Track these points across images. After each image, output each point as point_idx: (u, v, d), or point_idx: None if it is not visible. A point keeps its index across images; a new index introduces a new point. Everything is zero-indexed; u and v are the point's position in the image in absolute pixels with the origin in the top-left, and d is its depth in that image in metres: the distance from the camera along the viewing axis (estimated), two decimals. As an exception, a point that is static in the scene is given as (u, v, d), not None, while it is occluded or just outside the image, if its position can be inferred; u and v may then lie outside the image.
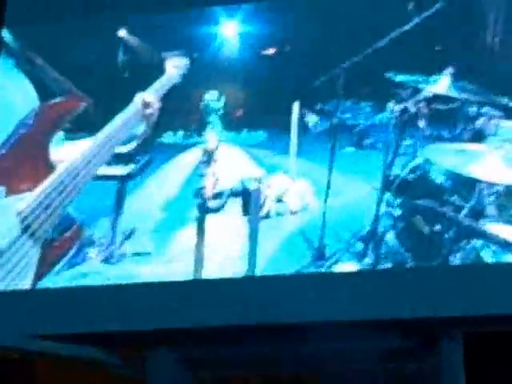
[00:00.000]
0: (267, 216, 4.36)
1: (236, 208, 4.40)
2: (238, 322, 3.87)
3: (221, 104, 4.55)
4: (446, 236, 4.02)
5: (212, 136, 4.52)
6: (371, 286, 3.90)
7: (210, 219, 4.38)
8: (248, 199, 4.38)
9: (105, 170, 4.54)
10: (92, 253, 4.43)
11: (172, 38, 4.68)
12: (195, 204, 4.41)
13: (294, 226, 4.33)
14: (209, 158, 4.50)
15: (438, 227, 4.06)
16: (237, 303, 3.98)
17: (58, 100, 4.65)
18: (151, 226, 4.46)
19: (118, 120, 4.55)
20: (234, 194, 4.41)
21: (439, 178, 4.15)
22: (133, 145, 4.50)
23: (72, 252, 4.36)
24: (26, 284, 4.31)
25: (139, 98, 4.57)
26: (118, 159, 4.55)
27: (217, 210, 4.39)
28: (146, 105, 4.54)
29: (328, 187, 4.27)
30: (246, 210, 4.37)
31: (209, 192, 4.40)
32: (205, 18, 4.67)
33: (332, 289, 3.99)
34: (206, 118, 4.55)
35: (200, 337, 3.95)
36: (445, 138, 4.22)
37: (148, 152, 4.57)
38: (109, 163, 4.55)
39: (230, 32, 4.65)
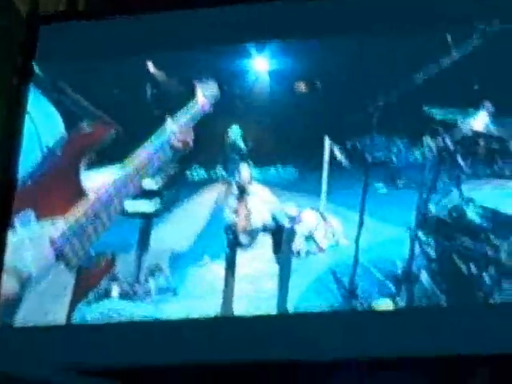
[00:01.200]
0: (297, 254, 3.94)
1: (267, 245, 3.99)
2: (268, 359, 3.63)
3: (245, 141, 4.14)
4: (485, 276, 3.45)
5: (245, 170, 4.10)
6: (396, 324, 3.64)
7: (240, 256, 3.98)
8: (280, 236, 3.97)
9: (131, 206, 4.14)
10: (115, 290, 4.03)
11: (202, 70, 4.25)
12: (224, 239, 4.00)
13: (324, 265, 3.92)
14: (241, 192, 4.08)
15: (475, 267, 3.50)
16: (268, 340, 3.69)
17: (87, 128, 4.24)
18: (177, 262, 4.06)
19: (149, 148, 4.15)
20: (265, 230, 4.00)
21: (477, 218, 3.63)
22: (159, 180, 3.97)
23: (103, 285, 4.01)
24: (58, 313, 3.97)
25: (170, 125, 4.14)
26: (145, 194, 4.15)
27: (248, 245, 3.98)
28: (181, 133, 4.09)
29: (360, 226, 3.81)
30: (277, 248, 3.96)
31: (241, 227, 3.99)
32: (236, 53, 4.27)
33: (359, 327, 3.67)
34: (231, 154, 4.14)
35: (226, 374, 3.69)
36: (484, 176, 3.69)
37: (174, 188, 4.17)
38: (135, 197, 4.15)
39: (261, 67, 4.24)
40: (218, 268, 3.94)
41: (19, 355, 3.80)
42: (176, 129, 4.13)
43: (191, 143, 4.13)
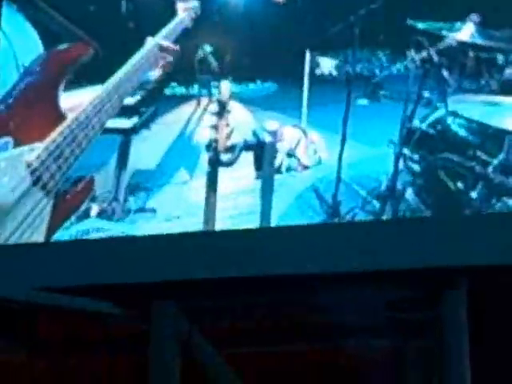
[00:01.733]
0: (278, 171, 3.68)
1: (249, 161, 3.72)
2: (245, 273, 3.32)
3: (218, 58, 3.88)
4: (473, 193, 3.19)
5: (225, 86, 3.80)
6: (376, 236, 3.27)
7: (221, 173, 3.70)
8: (261, 152, 3.69)
9: (109, 123, 3.85)
10: (94, 209, 3.77)
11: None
12: (205, 157, 3.72)
13: (306, 182, 3.66)
14: (222, 108, 3.77)
15: (463, 184, 3.24)
16: (245, 254, 3.35)
17: (66, 46, 3.95)
18: (157, 181, 3.78)
19: (129, 66, 3.85)
20: (247, 146, 3.70)
21: (463, 132, 3.37)
22: (138, 96, 3.69)
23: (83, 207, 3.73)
24: (37, 237, 3.68)
25: (151, 42, 3.87)
26: (123, 111, 3.86)
27: (229, 163, 3.70)
28: (163, 49, 3.84)
29: (343, 141, 3.49)
30: (258, 164, 3.69)
31: (222, 145, 3.70)
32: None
33: (339, 240, 3.32)
34: (201, 72, 3.88)
35: (206, 288, 3.41)
36: (470, 90, 3.43)
37: (153, 104, 3.88)
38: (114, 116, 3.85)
39: None
40: (199, 186, 3.68)
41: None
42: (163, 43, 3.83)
43: (170, 64, 3.85)
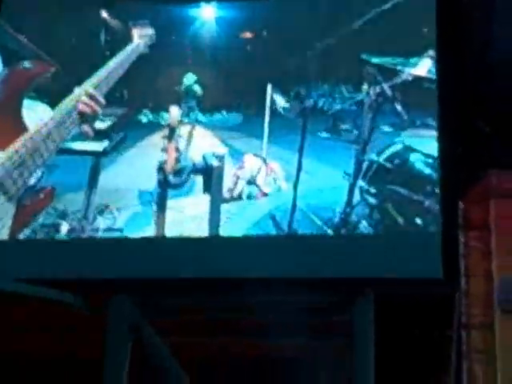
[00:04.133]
0: (239, 197, 3.20)
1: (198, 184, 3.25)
2: (194, 274, 3.04)
3: (198, 87, 3.33)
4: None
5: (174, 111, 3.31)
6: (301, 249, 2.99)
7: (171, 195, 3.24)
8: (209, 175, 3.21)
9: (81, 146, 3.34)
10: (64, 226, 3.24)
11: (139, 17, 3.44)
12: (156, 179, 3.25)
13: (264, 210, 3.15)
14: (171, 132, 3.29)
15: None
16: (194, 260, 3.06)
17: (27, 64, 3.44)
18: (123, 202, 3.24)
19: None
20: (196, 170, 3.23)
21: (419, 165, 2.78)
22: (109, 122, 3.16)
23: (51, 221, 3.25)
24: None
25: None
26: (95, 135, 3.34)
27: (178, 185, 3.22)
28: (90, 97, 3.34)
29: (298, 171, 2.99)
30: (207, 186, 3.21)
31: (169, 167, 3.23)
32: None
33: (272, 251, 3.01)
34: (184, 100, 3.33)
35: (158, 287, 3.13)
36: (424, 125, 2.84)
37: (123, 130, 3.36)
38: (85, 138, 3.33)
39: (208, 15, 3.41)
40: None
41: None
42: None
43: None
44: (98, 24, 3.45)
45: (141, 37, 3.35)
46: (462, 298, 2.81)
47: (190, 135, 3.26)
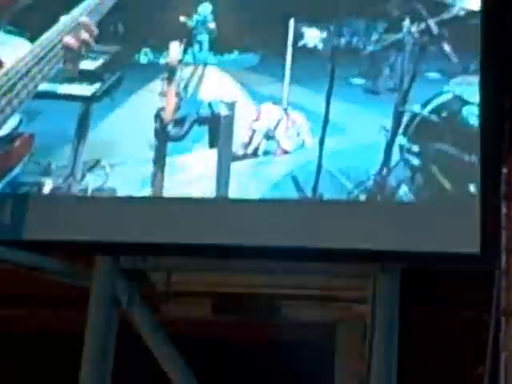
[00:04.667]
0: (254, 154, 2.64)
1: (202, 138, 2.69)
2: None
3: (212, 19, 2.74)
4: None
5: (174, 47, 2.73)
6: (320, 216, 2.50)
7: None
8: (217, 127, 2.65)
9: (67, 89, 2.79)
10: (47, 185, 2.72)
11: None
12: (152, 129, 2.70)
13: (284, 169, 2.59)
14: (171, 74, 2.72)
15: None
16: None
17: None
18: (117, 157, 2.70)
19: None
20: (200, 120, 2.67)
21: (473, 120, 2.28)
22: (101, 60, 2.60)
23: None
24: None
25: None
26: (83, 76, 2.79)
27: (178, 138, 2.66)
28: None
29: (325, 124, 2.42)
30: (213, 140, 2.65)
31: (168, 115, 2.67)
32: None
33: (292, 217, 2.52)
34: (194, 36, 2.75)
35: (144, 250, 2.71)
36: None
37: (118, 70, 2.80)
38: (72, 80, 2.79)
39: None
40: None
41: None
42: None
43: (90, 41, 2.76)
44: None
45: None
46: (502, 278, 2.48)
47: (195, 77, 2.72)
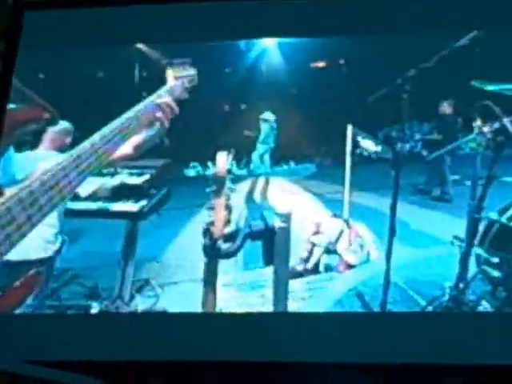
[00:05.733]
0: (314, 270, 2.41)
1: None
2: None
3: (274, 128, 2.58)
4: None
5: (221, 158, 2.47)
6: (377, 330, 2.25)
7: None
8: (272, 242, 2.37)
9: (113, 206, 2.60)
10: (94, 308, 2.50)
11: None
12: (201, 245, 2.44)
13: (347, 286, 2.36)
14: (219, 185, 2.45)
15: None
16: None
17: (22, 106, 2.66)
18: (166, 276, 2.50)
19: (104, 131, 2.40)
20: (253, 234, 2.41)
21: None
22: (147, 176, 2.44)
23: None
24: None
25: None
26: (129, 192, 2.60)
27: (230, 254, 2.41)
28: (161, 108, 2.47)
29: (391, 235, 2.18)
30: (268, 257, 2.39)
31: (218, 230, 2.41)
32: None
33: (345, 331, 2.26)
34: (262, 143, 2.60)
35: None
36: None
37: (165, 184, 2.61)
38: (118, 197, 2.60)
39: (269, 42, 2.68)
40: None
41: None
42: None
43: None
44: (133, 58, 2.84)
45: (177, 78, 2.60)
46: None
47: (246, 189, 2.57)
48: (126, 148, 2.47)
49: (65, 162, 2.16)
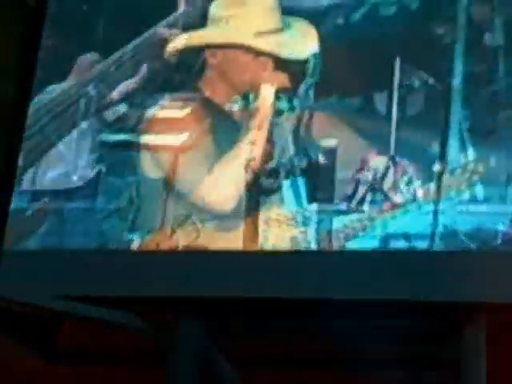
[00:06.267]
0: (359, 208, 2.29)
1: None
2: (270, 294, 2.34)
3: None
4: None
5: (266, 90, 2.39)
6: (398, 266, 2.26)
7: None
8: (315, 178, 2.33)
9: (155, 139, 2.53)
10: (135, 242, 2.47)
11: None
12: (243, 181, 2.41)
13: (393, 226, 2.24)
14: (262, 119, 2.40)
15: None
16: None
17: None
18: (207, 213, 2.43)
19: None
20: (296, 170, 2.36)
21: None
22: (188, 109, 2.42)
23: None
24: None
25: None
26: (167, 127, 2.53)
27: (271, 191, 2.35)
28: None
29: (440, 172, 2.19)
30: (311, 194, 2.33)
31: (259, 165, 2.38)
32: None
33: (368, 268, 2.28)
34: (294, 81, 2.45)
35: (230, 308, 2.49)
36: None
37: (205, 118, 2.52)
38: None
39: None
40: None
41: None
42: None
43: None
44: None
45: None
46: None
47: (290, 123, 2.43)
48: None
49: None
